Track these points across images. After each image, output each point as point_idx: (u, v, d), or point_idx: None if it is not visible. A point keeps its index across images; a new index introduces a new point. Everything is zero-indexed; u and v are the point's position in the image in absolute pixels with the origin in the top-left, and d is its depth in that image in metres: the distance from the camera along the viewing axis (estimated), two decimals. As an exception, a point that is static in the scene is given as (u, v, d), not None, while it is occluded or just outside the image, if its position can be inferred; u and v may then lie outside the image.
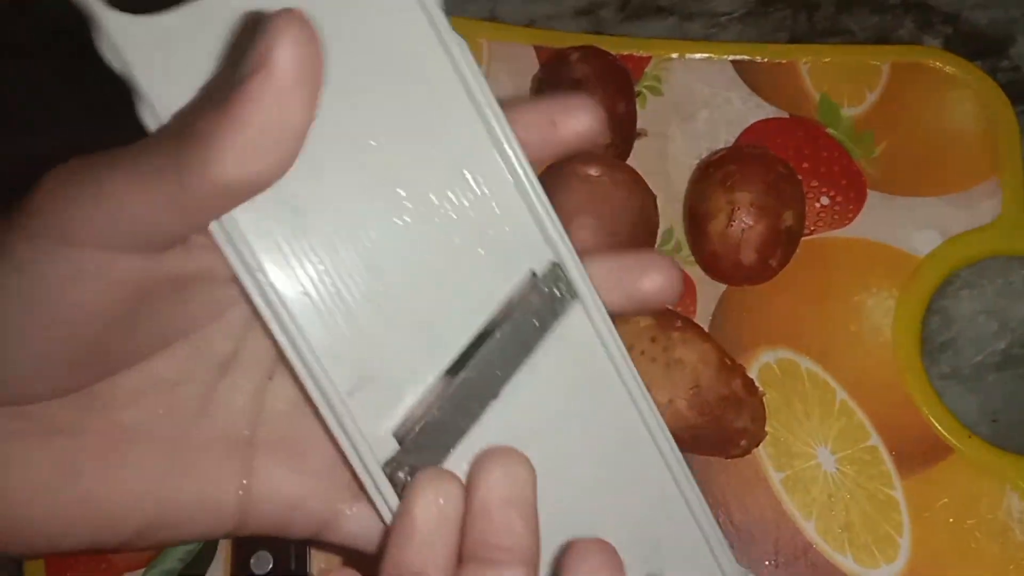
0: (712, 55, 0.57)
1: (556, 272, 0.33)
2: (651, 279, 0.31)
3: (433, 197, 0.31)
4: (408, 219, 0.31)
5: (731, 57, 0.57)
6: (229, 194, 0.24)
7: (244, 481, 0.29)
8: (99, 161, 0.24)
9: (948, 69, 0.55)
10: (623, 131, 0.51)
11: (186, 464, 0.28)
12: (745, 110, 0.55)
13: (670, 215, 0.53)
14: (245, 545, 0.45)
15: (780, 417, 0.49)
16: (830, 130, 0.54)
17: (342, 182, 0.30)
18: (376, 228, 0.31)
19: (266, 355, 0.30)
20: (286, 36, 0.22)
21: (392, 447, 0.30)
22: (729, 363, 0.46)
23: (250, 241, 0.28)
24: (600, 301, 0.32)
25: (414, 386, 0.32)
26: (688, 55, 0.57)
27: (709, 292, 0.51)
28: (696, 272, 0.52)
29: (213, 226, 0.27)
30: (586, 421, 0.33)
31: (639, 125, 0.53)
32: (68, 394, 0.27)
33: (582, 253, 0.31)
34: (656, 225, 0.50)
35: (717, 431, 0.45)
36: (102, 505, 0.27)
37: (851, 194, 0.53)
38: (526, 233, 0.32)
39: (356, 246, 0.30)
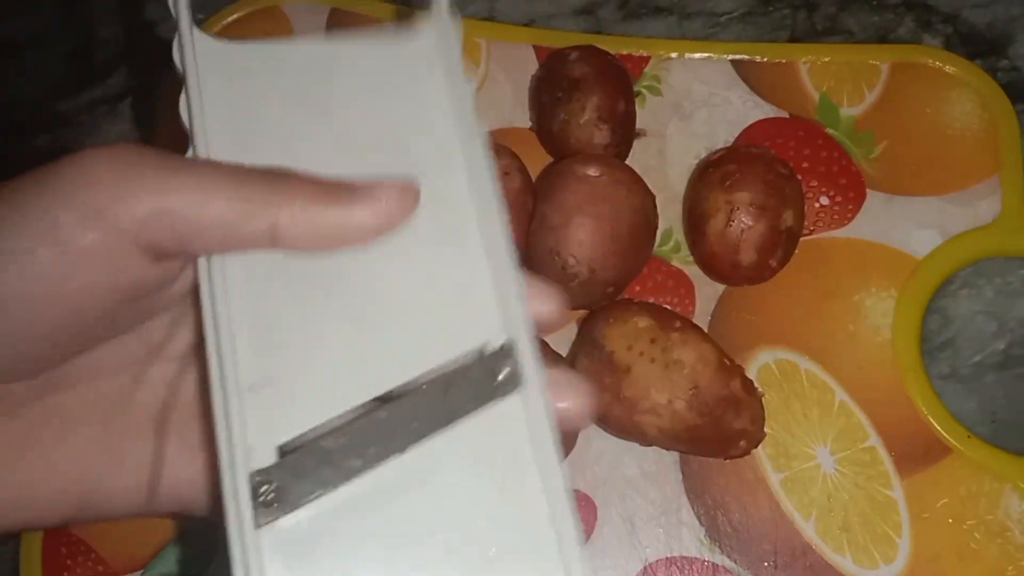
0: (711, 55, 0.57)
1: (507, 353, 0.31)
2: (568, 402, 0.31)
3: (410, 241, 0.31)
4: (378, 256, 0.31)
5: (730, 57, 0.57)
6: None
7: (154, 463, 0.30)
8: (170, 163, 0.27)
9: (948, 69, 0.55)
10: (622, 131, 0.51)
11: (114, 448, 0.29)
12: (744, 110, 0.55)
13: (669, 215, 0.53)
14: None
15: (779, 418, 0.49)
16: (829, 130, 0.54)
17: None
18: (344, 257, 0.31)
19: (187, 346, 0.32)
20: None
21: (270, 459, 0.28)
22: (728, 364, 0.46)
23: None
24: (546, 396, 0.30)
25: (320, 409, 0.29)
26: (687, 55, 0.57)
27: (708, 292, 0.51)
28: (695, 272, 0.52)
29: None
30: (486, 511, 0.30)
31: (638, 125, 0.53)
32: (32, 377, 0.28)
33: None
34: (655, 225, 0.50)
35: (716, 432, 0.45)
36: (38, 489, 0.28)
37: (850, 194, 0.53)
38: (487, 306, 0.32)
39: (323, 261, 0.30)
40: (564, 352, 0.49)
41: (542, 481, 0.30)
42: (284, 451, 0.28)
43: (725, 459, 0.47)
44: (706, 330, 0.49)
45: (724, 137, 0.55)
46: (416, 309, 0.32)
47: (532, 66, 0.57)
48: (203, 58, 0.32)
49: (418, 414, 0.30)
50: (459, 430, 0.30)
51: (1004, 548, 0.43)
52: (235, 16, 0.60)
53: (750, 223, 0.48)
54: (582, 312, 0.51)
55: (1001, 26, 0.58)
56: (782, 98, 0.55)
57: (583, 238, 0.46)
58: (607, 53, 0.53)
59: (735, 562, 0.46)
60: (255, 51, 0.33)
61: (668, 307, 0.50)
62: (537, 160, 0.53)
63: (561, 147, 0.52)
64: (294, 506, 0.28)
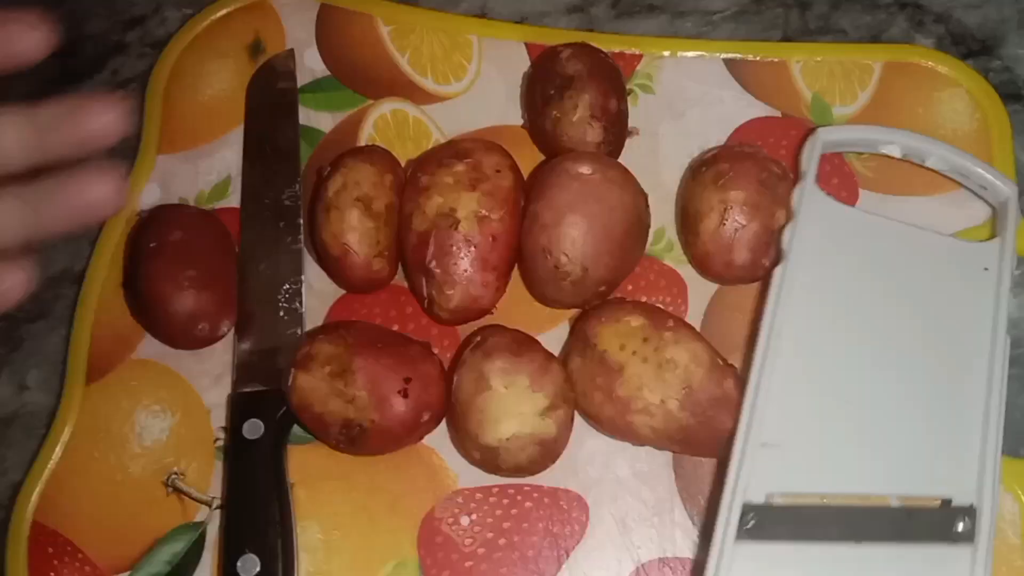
0: (704, 53, 0.57)
1: (971, 513, 0.41)
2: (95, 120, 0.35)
3: (928, 389, 0.43)
4: (898, 387, 0.43)
5: (723, 55, 0.56)
6: None
7: None
8: None
9: (940, 69, 0.55)
10: (614, 129, 0.51)
11: None
12: (737, 109, 0.55)
13: (661, 214, 0.52)
14: (232, 548, 0.45)
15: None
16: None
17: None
18: (868, 374, 0.43)
19: None
20: None
21: (759, 500, 0.40)
22: (721, 363, 0.45)
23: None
24: (989, 560, 0.40)
25: (807, 482, 0.41)
26: (680, 53, 0.57)
27: (700, 292, 0.51)
28: (688, 271, 0.51)
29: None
30: None
31: (630, 123, 0.53)
32: None
33: None
34: (647, 224, 0.49)
35: (709, 432, 0.45)
36: None
37: (843, 194, 0.53)
38: (969, 468, 0.41)
39: (854, 364, 0.44)
40: (556, 351, 0.49)
41: None
42: (769, 498, 0.41)
43: (718, 459, 0.47)
44: (699, 329, 0.49)
45: (716, 136, 0.54)
46: (909, 441, 0.42)
47: (524, 64, 0.57)
48: (809, 204, 0.47)
49: (879, 522, 0.41)
50: (906, 550, 0.40)
51: (998, 549, 0.43)
52: (225, 11, 0.60)
53: (744, 222, 0.48)
54: (574, 311, 0.50)
55: (993, 26, 0.58)
56: (775, 97, 0.55)
57: (575, 236, 0.46)
58: (599, 51, 0.53)
59: None
60: (850, 213, 0.49)
61: (661, 306, 0.50)
62: (529, 158, 0.53)
63: (553, 145, 0.51)
64: (764, 540, 0.40)
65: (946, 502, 0.41)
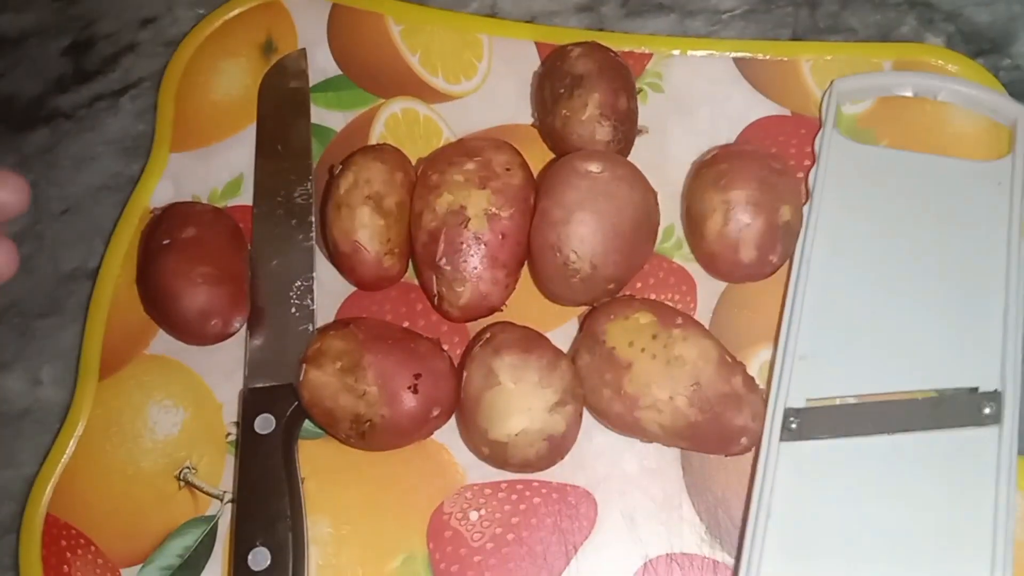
0: (714, 52, 0.57)
1: (996, 398, 0.45)
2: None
3: (949, 294, 0.48)
4: (923, 293, 0.48)
5: (733, 54, 0.57)
6: None
7: None
8: None
9: (950, 67, 0.55)
10: (624, 128, 0.51)
11: None
12: (746, 107, 0.55)
13: (671, 212, 0.52)
14: (243, 541, 0.45)
15: (780, 415, 0.49)
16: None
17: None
18: (897, 284, 0.49)
19: None
20: None
21: (800, 404, 0.46)
22: (729, 360, 0.46)
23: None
24: (1015, 440, 0.44)
25: (843, 385, 0.46)
26: (689, 52, 0.57)
27: (709, 289, 0.51)
28: (696, 269, 0.52)
29: None
30: (936, 503, 0.44)
31: (640, 122, 0.53)
32: None
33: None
34: (657, 222, 0.50)
35: (717, 428, 0.45)
36: None
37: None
38: (992, 357, 0.46)
39: (883, 276, 0.49)
40: (565, 348, 0.49)
41: (994, 504, 0.43)
42: (809, 402, 0.46)
43: (726, 456, 0.47)
44: (708, 326, 0.49)
45: (726, 134, 0.55)
46: (936, 340, 0.47)
47: (534, 63, 0.57)
48: (829, 147, 0.52)
49: (911, 413, 0.45)
50: (937, 436, 0.45)
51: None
52: (237, 11, 0.60)
53: (748, 220, 0.48)
54: (583, 308, 0.51)
55: (1003, 24, 0.58)
56: (784, 96, 0.55)
57: (585, 234, 0.46)
58: (609, 50, 0.53)
59: (735, 559, 0.46)
60: (873, 152, 0.52)
61: (670, 303, 0.50)
62: (539, 156, 0.53)
63: (563, 143, 0.51)
64: (806, 438, 0.46)
65: (973, 390, 0.46)
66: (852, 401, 0.47)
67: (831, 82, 0.54)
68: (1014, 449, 0.44)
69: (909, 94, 0.54)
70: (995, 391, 0.45)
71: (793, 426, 0.46)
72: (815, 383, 0.47)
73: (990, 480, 0.44)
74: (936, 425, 0.45)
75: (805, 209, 0.51)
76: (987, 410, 0.45)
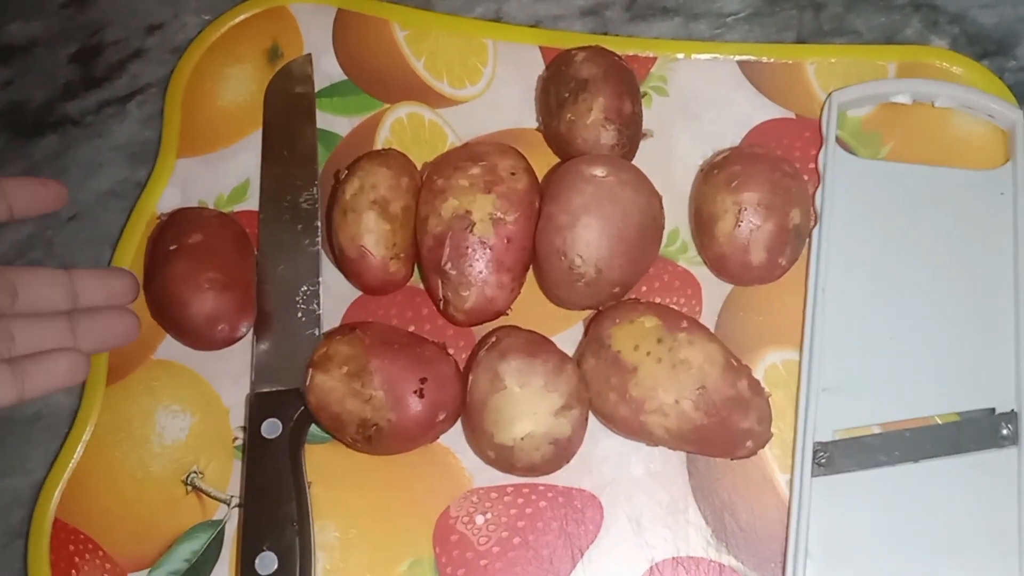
0: (718, 55, 0.57)
1: (1012, 418, 0.46)
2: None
3: (960, 316, 0.48)
4: (926, 309, 0.49)
5: (737, 57, 0.57)
6: None
7: None
8: None
9: (955, 69, 0.55)
10: (629, 131, 0.51)
11: None
12: (751, 110, 0.55)
13: (676, 215, 0.53)
14: (250, 545, 0.46)
15: (786, 418, 0.49)
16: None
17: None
18: (911, 305, 0.49)
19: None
20: None
21: (827, 437, 0.47)
22: (735, 364, 0.46)
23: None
24: None
25: (868, 415, 0.47)
26: (694, 55, 0.57)
27: (715, 292, 0.51)
28: (702, 272, 0.52)
29: None
30: (963, 524, 0.45)
31: (644, 125, 0.53)
32: None
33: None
34: (662, 225, 0.50)
35: (723, 432, 0.45)
36: None
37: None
38: (1007, 379, 0.47)
39: (888, 312, 0.49)
40: (571, 352, 0.49)
41: (1018, 521, 0.45)
42: (836, 434, 0.47)
43: (732, 459, 0.47)
44: (713, 330, 0.49)
45: (731, 138, 0.55)
46: (951, 363, 0.48)
47: (539, 67, 0.57)
48: (834, 164, 0.52)
49: (933, 439, 0.47)
50: (959, 461, 0.46)
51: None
52: (242, 17, 0.60)
53: (759, 223, 0.48)
54: (589, 312, 0.51)
55: (1008, 26, 0.58)
56: (789, 99, 0.55)
57: (590, 238, 0.46)
58: (613, 54, 0.53)
59: (742, 562, 0.46)
60: (872, 166, 0.52)
61: (675, 307, 0.50)
62: (544, 160, 0.53)
63: (568, 148, 0.52)
64: (837, 471, 0.46)
65: (989, 411, 0.47)
66: (877, 430, 0.47)
67: (828, 94, 0.54)
68: None
69: (907, 101, 0.54)
70: (1012, 411, 0.47)
71: (823, 460, 0.46)
72: (840, 415, 0.47)
73: (1012, 502, 0.45)
74: (957, 450, 0.46)
75: (814, 233, 0.51)
76: (1005, 431, 0.46)
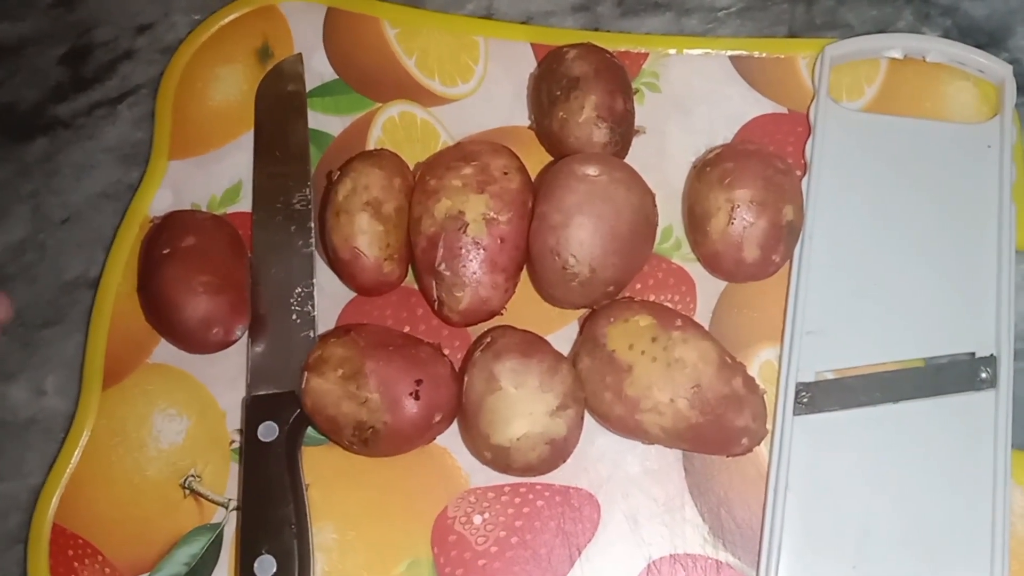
0: (710, 50, 0.57)
1: (991, 362, 0.47)
2: None
3: (943, 263, 0.49)
4: (910, 256, 0.50)
5: (729, 52, 0.57)
6: None
7: None
8: None
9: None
10: (621, 129, 0.51)
11: None
12: (744, 106, 0.55)
13: (669, 212, 0.53)
14: (249, 549, 0.46)
15: (781, 414, 0.49)
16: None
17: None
18: (894, 259, 0.50)
19: None
20: None
21: (810, 378, 0.48)
22: (729, 361, 0.46)
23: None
24: (1010, 402, 0.46)
25: (850, 357, 0.48)
26: (686, 51, 0.57)
27: (709, 290, 0.51)
28: (696, 269, 0.52)
29: None
30: (937, 465, 0.46)
31: (637, 122, 0.53)
32: None
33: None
34: (655, 223, 0.50)
35: (718, 430, 0.45)
36: None
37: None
38: (987, 324, 0.48)
39: (878, 257, 0.50)
40: (566, 351, 0.49)
41: (992, 463, 0.45)
42: (818, 375, 0.48)
43: (728, 456, 0.47)
44: (707, 327, 0.49)
45: (723, 133, 0.55)
46: (933, 308, 0.49)
47: (530, 64, 0.57)
48: (824, 115, 0.53)
49: (912, 381, 0.48)
50: (937, 402, 0.47)
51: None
52: (233, 16, 0.60)
53: (752, 220, 0.48)
54: (583, 311, 0.51)
55: (1000, 18, 0.58)
56: (781, 94, 0.55)
57: (583, 238, 0.46)
58: (605, 51, 0.53)
59: (739, 559, 0.47)
60: (861, 117, 0.53)
61: (669, 305, 0.50)
62: (536, 159, 0.53)
63: (560, 146, 0.51)
64: (818, 411, 0.48)
65: (969, 355, 0.48)
66: (858, 372, 0.48)
67: (822, 48, 0.55)
68: (1009, 412, 0.46)
69: (899, 56, 0.55)
70: (991, 356, 0.48)
71: (805, 400, 0.47)
72: (823, 356, 0.48)
73: (988, 443, 0.46)
74: (937, 392, 0.47)
75: (804, 182, 0.52)
76: (983, 375, 0.47)
